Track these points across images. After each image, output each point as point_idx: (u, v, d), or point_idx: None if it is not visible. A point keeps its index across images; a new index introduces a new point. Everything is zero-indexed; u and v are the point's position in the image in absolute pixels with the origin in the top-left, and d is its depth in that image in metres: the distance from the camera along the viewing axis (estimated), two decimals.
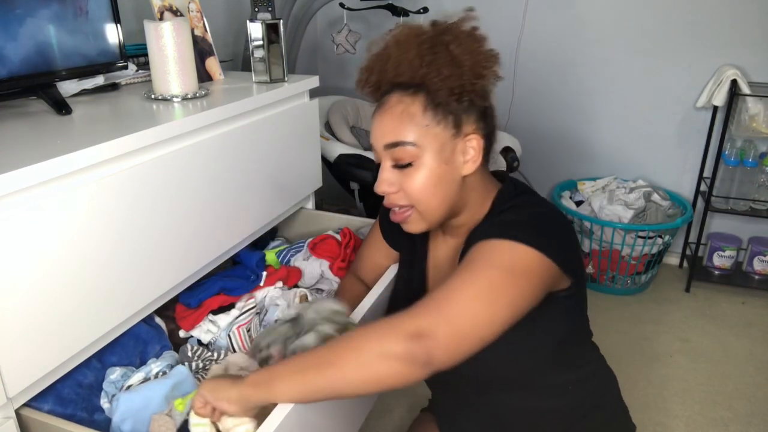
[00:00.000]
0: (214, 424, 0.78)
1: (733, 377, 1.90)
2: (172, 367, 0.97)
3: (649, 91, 2.39)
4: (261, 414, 0.80)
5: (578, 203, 2.47)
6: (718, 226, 2.52)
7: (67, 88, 1.09)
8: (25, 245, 0.72)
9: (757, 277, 2.43)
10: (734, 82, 2.16)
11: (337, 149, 2.00)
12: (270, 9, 1.26)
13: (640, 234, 2.22)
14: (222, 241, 1.12)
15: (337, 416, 0.91)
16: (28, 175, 0.72)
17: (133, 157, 0.89)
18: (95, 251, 0.83)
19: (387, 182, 0.85)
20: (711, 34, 2.27)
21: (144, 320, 0.99)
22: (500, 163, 2.08)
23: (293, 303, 1.11)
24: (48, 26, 0.99)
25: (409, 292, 1.01)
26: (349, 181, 2.06)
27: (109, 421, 0.89)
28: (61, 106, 0.99)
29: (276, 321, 1.11)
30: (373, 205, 2.13)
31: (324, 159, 2.00)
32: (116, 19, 1.13)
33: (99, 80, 1.16)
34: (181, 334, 1.08)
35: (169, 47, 1.06)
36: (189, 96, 1.11)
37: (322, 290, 1.24)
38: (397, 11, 2.29)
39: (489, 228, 0.80)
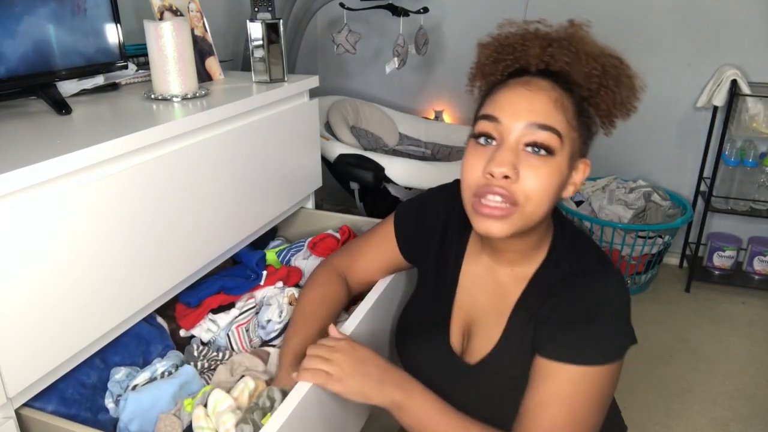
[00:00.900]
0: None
1: (733, 377, 1.90)
2: (177, 366, 0.97)
3: (649, 91, 2.37)
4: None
5: (578, 203, 2.47)
6: (718, 226, 2.52)
7: (67, 88, 1.09)
8: (24, 245, 0.72)
9: (757, 277, 2.43)
10: (734, 82, 2.16)
11: (337, 149, 2.01)
12: (270, 9, 1.26)
13: (640, 234, 2.22)
14: (222, 240, 1.12)
15: (338, 417, 0.91)
16: (28, 175, 0.72)
17: (133, 157, 0.89)
18: (95, 251, 0.83)
19: (511, 164, 0.72)
20: (711, 34, 2.27)
21: (145, 320, 0.99)
22: None
23: (283, 303, 1.11)
24: (47, 25, 0.99)
25: (428, 314, 0.92)
26: (349, 181, 2.07)
27: (113, 420, 0.89)
28: (61, 106, 0.99)
29: (268, 322, 1.11)
30: (373, 205, 2.13)
31: (324, 159, 2.01)
32: (116, 19, 1.13)
33: (99, 80, 1.15)
34: (182, 333, 1.08)
35: (169, 47, 1.06)
36: (189, 96, 1.11)
37: None
38: (397, 11, 2.30)
39: (571, 339, 0.74)
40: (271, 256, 1.29)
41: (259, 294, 1.16)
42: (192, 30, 1.25)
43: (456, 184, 0.92)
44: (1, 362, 0.72)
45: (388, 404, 0.79)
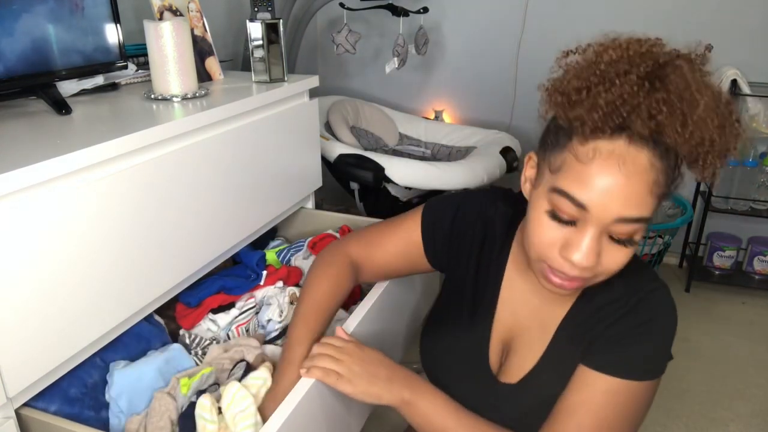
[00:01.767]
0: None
1: (733, 377, 1.90)
2: None
3: None
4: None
5: None
6: (717, 226, 2.52)
7: (67, 88, 1.09)
8: (24, 245, 0.72)
9: (757, 277, 2.43)
10: (734, 82, 2.16)
11: (337, 149, 2.01)
12: (270, 9, 1.26)
13: None
14: (222, 240, 1.12)
15: (339, 417, 0.91)
16: (28, 175, 0.72)
17: (133, 157, 0.89)
18: (95, 251, 0.83)
19: (596, 255, 0.66)
20: (711, 34, 2.27)
21: (145, 319, 0.99)
22: (500, 163, 2.08)
23: (284, 303, 1.11)
24: (45, 23, 0.99)
25: (466, 332, 0.87)
26: (349, 181, 2.07)
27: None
28: (61, 106, 0.99)
29: (268, 321, 1.11)
30: (373, 205, 2.13)
31: (324, 159, 2.01)
32: (116, 19, 1.13)
33: (99, 80, 1.16)
34: (182, 333, 1.08)
35: (168, 47, 1.06)
36: (189, 96, 1.11)
37: None
38: (397, 11, 2.30)
39: (616, 351, 0.73)
40: (271, 256, 1.30)
41: (259, 294, 1.16)
42: (192, 30, 1.25)
43: (492, 193, 0.89)
44: (1, 362, 0.72)
45: (397, 403, 0.79)
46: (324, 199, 2.85)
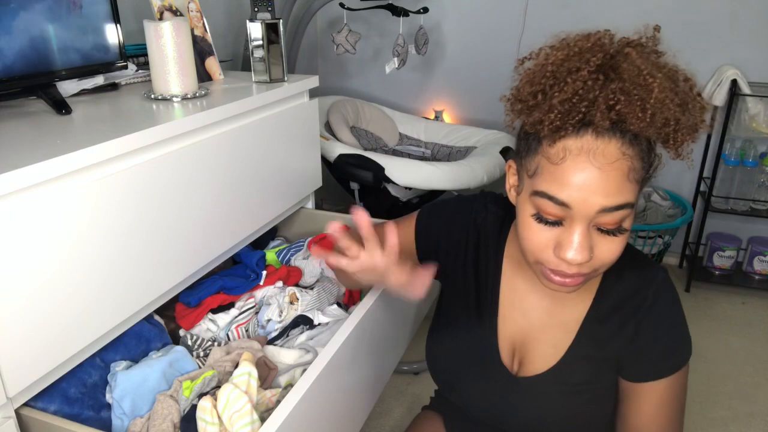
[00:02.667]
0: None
1: (733, 377, 1.90)
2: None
3: None
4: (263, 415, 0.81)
5: None
6: (717, 226, 2.52)
7: (67, 88, 1.09)
8: (25, 245, 0.72)
9: (757, 277, 2.43)
10: (734, 82, 2.16)
11: (337, 149, 2.01)
12: (270, 9, 1.26)
13: (640, 234, 2.22)
14: (222, 240, 1.12)
15: (339, 416, 0.91)
16: (28, 175, 0.72)
17: (133, 157, 0.89)
18: (95, 251, 0.83)
19: (588, 250, 0.67)
20: (711, 34, 2.27)
21: (145, 319, 0.99)
22: (500, 163, 2.08)
23: (283, 303, 1.11)
24: (43, 21, 0.99)
25: (473, 338, 0.88)
26: (349, 181, 2.07)
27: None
28: (61, 106, 0.99)
29: (268, 321, 1.11)
30: (373, 205, 2.13)
31: (324, 159, 2.01)
32: (116, 19, 1.13)
33: (99, 80, 1.16)
34: (181, 333, 1.08)
35: (168, 47, 1.06)
36: (189, 96, 1.11)
37: (313, 287, 1.23)
38: (397, 11, 2.30)
39: (659, 355, 0.78)
40: (271, 256, 1.30)
41: (259, 294, 1.17)
42: (192, 30, 1.26)
43: (483, 197, 0.89)
44: (1, 362, 0.72)
45: None
46: (324, 199, 2.85)
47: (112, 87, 1.20)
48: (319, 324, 1.10)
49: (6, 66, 0.94)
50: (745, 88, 2.15)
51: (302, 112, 1.35)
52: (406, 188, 1.99)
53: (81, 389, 0.88)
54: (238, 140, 1.12)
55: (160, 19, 1.20)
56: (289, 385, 0.95)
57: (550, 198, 0.66)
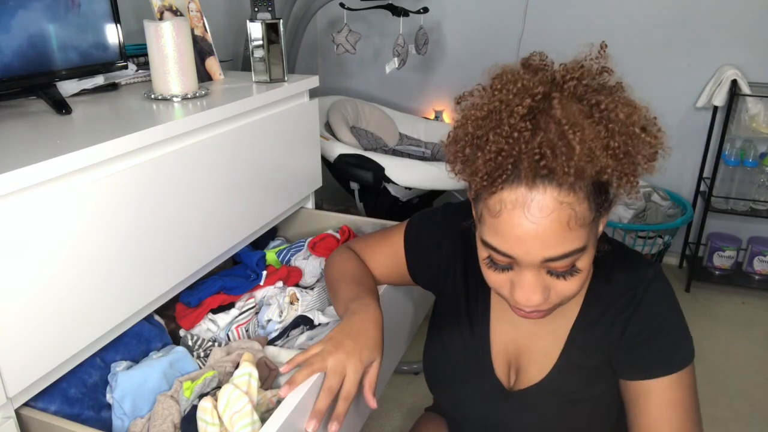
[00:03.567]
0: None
1: (733, 377, 1.90)
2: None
3: (648, 91, 2.38)
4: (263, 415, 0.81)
5: None
6: (717, 226, 2.52)
7: (67, 87, 1.09)
8: (24, 245, 0.72)
9: (757, 277, 2.43)
10: (734, 82, 2.16)
11: (337, 149, 2.01)
12: (270, 9, 1.26)
13: (640, 234, 2.22)
14: (222, 240, 1.12)
15: None
16: (28, 175, 0.72)
17: (133, 157, 0.89)
18: (95, 251, 0.83)
19: (541, 292, 0.66)
20: (711, 34, 2.27)
21: (145, 318, 0.99)
22: None
23: (283, 303, 1.11)
24: (41, 20, 0.99)
25: (467, 353, 0.87)
26: (349, 181, 2.07)
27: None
28: (61, 106, 0.99)
29: (268, 322, 1.11)
30: (373, 205, 2.13)
31: (324, 159, 2.01)
32: (116, 19, 1.13)
33: (99, 80, 1.16)
34: (181, 333, 1.08)
35: (169, 47, 1.06)
36: (189, 96, 1.11)
37: (313, 288, 1.23)
38: (397, 11, 2.30)
39: (657, 352, 0.74)
40: (271, 256, 1.29)
41: (259, 294, 1.16)
42: (192, 30, 1.25)
43: (469, 205, 0.89)
44: (1, 362, 0.72)
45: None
46: (324, 199, 2.85)
47: (112, 87, 1.20)
48: (320, 324, 1.10)
49: (5, 65, 0.94)
50: (745, 88, 2.15)
51: (302, 112, 1.35)
52: (406, 188, 1.99)
53: (81, 389, 0.88)
54: (238, 140, 1.12)
55: (160, 19, 1.20)
56: None
57: (494, 249, 0.66)
